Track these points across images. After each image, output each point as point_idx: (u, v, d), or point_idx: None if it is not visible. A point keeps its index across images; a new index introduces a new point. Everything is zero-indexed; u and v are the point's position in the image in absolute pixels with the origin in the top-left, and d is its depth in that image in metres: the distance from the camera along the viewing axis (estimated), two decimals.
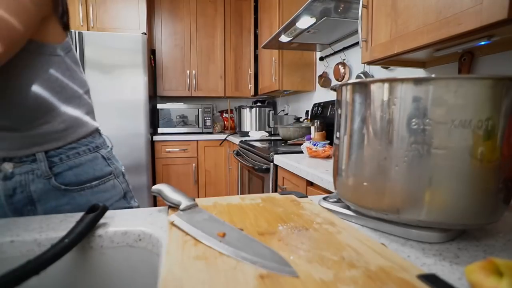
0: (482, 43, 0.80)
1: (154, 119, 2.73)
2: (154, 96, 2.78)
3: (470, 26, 0.69)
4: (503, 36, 0.76)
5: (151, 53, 2.69)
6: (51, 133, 0.58)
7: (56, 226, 0.45)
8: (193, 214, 0.43)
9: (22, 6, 0.47)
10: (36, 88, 0.55)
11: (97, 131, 0.68)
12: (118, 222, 0.46)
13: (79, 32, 2.10)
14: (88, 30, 2.34)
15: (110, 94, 2.19)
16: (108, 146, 0.70)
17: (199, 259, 0.31)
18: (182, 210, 0.45)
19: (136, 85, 2.24)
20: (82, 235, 0.40)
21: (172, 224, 0.41)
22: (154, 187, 0.51)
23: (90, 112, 0.68)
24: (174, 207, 0.47)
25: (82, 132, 0.63)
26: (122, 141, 2.22)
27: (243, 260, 0.31)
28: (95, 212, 0.44)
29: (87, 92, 0.68)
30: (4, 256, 0.41)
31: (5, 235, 0.41)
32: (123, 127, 2.23)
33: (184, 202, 0.46)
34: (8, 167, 0.55)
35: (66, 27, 0.63)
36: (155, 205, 2.48)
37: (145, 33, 2.32)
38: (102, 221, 0.46)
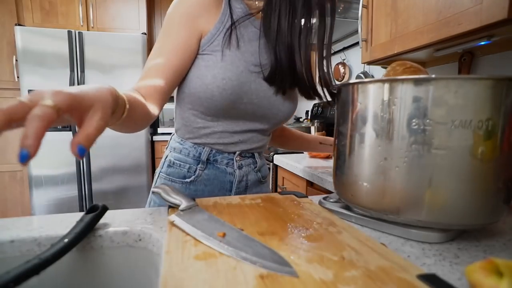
0: (482, 43, 0.80)
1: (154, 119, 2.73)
2: None
3: (470, 26, 0.69)
4: (503, 36, 0.76)
5: None
6: (266, 139, 0.73)
7: (56, 226, 0.45)
8: (193, 214, 0.43)
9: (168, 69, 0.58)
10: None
11: None
12: (118, 222, 0.46)
13: (79, 32, 2.10)
14: (88, 30, 2.34)
15: None
16: None
17: (199, 259, 0.31)
18: (182, 210, 0.45)
19: None
20: (82, 235, 0.40)
21: (172, 224, 0.41)
22: (155, 187, 0.51)
23: None
24: (174, 207, 0.47)
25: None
26: (122, 141, 2.22)
27: (243, 260, 0.31)
28: (95, 212, 0.44)
29: None
30: (4, 256, 0.41)
31: (5, 235, 0.41)
32: None
33: (184, 202, 0.46)
34: (239, 160, 0.69)
35: None
36: None
37: (145, 33, 2.32)
38: (102, 221, 0.46)
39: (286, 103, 0.66)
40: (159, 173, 0.70)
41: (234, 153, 0.67)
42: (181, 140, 0.68)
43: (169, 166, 0.68)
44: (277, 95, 0.64)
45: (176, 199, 0.47)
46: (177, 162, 0.67)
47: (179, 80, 0.60)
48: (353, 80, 0.43)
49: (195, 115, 0.65)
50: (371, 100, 0.40)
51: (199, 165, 0.67)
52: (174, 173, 0.67)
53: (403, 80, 0.37)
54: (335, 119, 0.49)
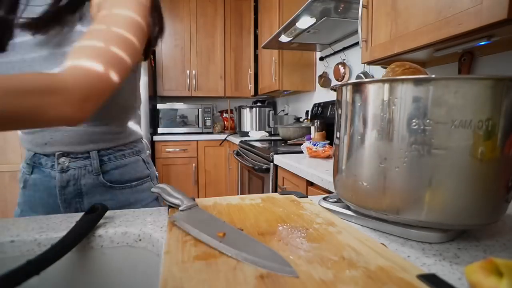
0: (482, 43, 0.80)
1: (154, 119, 2.73)
2: (154, 96, 2.78)
3: (470, 26, 0.69)
4: (503, 36, 0.76)
5: (151, 53, 2.69)
6: (109, 133, 0.64)
7: (56, 226, 0.45)
8: (193, 214, 0.43)
9: (133, 45, 0.52)
10: (130, 90, 0.68)
11: (140, 138, 0.76)
12: (118, 222, 0.46)
13: None
14: None
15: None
16: (147, 151, 0.77)
17: (199, 259, 0.31)
18: (182, 210, 0.45)
19: None
20: (82, 235, 0.40)
21: (173, 224, 0.41)
22: (155, 187, 0.51)
23: (140, 122, 0.78)
24: (174, 207, 0.47)
25: (132, 138, 0.70)
26: None
27: (243, 260, 0.31)
28: (95, 212, 0.44)
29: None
30: (4, 256, 0.41)
31: (5, 235, 0.41)
32: None
33: (184, 202, 0.46)
34: (64, 161, 0.61)
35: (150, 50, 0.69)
36: None
37: None
38: (102, 221, 0.46)
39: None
40: None
41: (54, 154, 0.61)
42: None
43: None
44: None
45: (176, 199, 0.47)
46: (21, 168, 0.65)
47: None
48: (353, 80, 0.44)
49: None
50: (371, 100, 0.40)
51: (26, 169, 0.64)
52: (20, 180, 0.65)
53: (403, 80, 0.37)
54: (335, 119, 0.49)
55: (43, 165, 0.62)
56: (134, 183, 0.68)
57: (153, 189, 0.51)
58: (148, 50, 0.65)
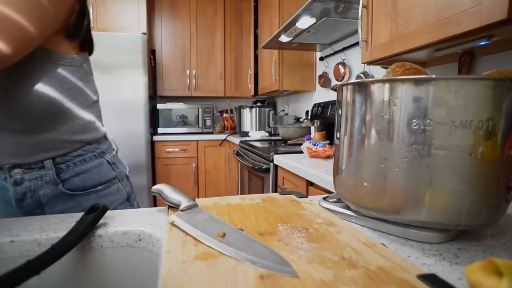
0: (482, 43, 0.80)
1: (154, 119, 2.73)
2: (154, 96, 2.78)
3: (470, 26, 0.69)
4: (503, 36, 0.76)
5: (151, 53, 2.69)
6: (58, 139, 0.60)
7: (56, 226, 0.45)
8: (193, 214, 0.43)
9: (40, 8, 0.47)
10: (48, 91, 0.57)
11: (104, 136, 0.70)
12: (118, 222, 0.46)
13: None
14: None
15: (110, 94, 2.19)
16: (113, 150, 0.72)
17: (199, 259, 0.31)
18: (182, 210, 0.45)
19: (136, 85, 2.24)
20: (82, 235, 0.40)
21: (172, 224, 0.41)
22: (154, 187, 0.51)
23: (100, 118, 0.71)
24: (174, 207, 0.47)
25: (92, 137, 0.65)
26: (122, 141, 2.22)
27: (243, 260, 0.31)
28: (95, 212, 0.44)
29: (98, 99, 0.71)
30: (4, 256, 0.41)
31: (5, 235, 0.41)
32: (123, 127, 2.23)
33: (184, 202, 0.46)
34: (17, 173, 0.57)
35: (84, 47, 0.65)
36: (155, 205, 2.48)
37: (145, 33, 2.32)
38: (102, 221, 0.46)
39: None
40: None
41: (3, 167, 0.57)
42: None
43: None
44: None
45: (176, 199, 0.47)
46: None
47: None
48: (353, 80, 0.43)
49: None
50: (371, 100, 0.40)
51: None
52: None
53: (403, 80, 0.37)
54: (335, 119, 0.49)
55: None
56: (99, 187, 0.64)
57: (153, 189, 0.51)
58: (75, 27, 0.61)
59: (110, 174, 0.67)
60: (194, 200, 0.48)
